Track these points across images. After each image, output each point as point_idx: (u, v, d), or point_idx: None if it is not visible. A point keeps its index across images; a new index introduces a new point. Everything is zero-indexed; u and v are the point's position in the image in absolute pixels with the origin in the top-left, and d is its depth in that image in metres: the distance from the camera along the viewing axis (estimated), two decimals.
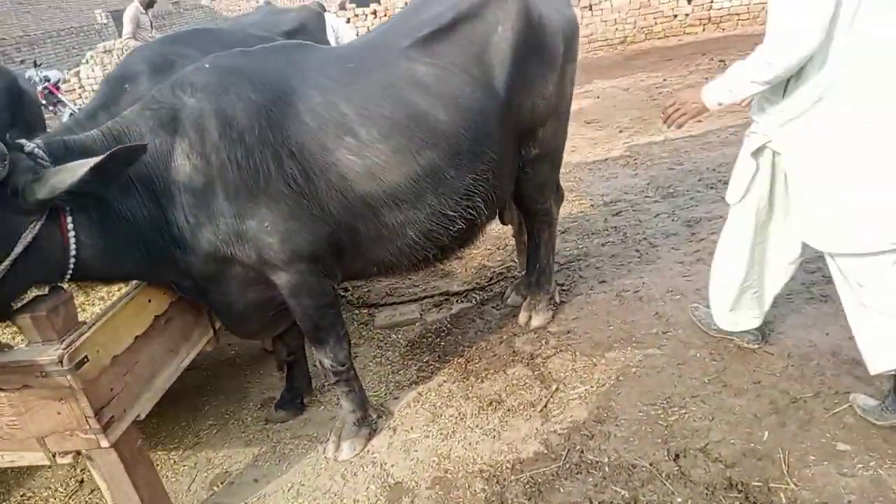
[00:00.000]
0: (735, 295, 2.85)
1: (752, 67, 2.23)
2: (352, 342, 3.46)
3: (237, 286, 2.60)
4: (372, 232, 2.65)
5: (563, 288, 3.90)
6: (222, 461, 3.07)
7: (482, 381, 3.21)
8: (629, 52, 11.92)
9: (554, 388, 3.05)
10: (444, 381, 3.28)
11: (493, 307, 3.89)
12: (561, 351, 3.31)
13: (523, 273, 3.86)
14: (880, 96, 2.08)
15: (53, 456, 2.38)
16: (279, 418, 3.25)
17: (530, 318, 3.58)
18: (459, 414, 3.02)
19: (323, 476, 2.83)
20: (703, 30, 12.13)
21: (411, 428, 2.99)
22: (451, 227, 2.76)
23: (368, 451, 2.91)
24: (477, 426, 2.91)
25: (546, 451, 2.69)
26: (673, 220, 4.53)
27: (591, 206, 5.10)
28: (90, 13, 26.72)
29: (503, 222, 3.49)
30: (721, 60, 9.27)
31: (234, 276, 2.56)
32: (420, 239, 2.72)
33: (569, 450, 2.67)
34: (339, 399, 3.01)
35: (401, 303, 4.15)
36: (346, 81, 2.56)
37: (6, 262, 1.96)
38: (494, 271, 4.34)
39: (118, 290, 2.81)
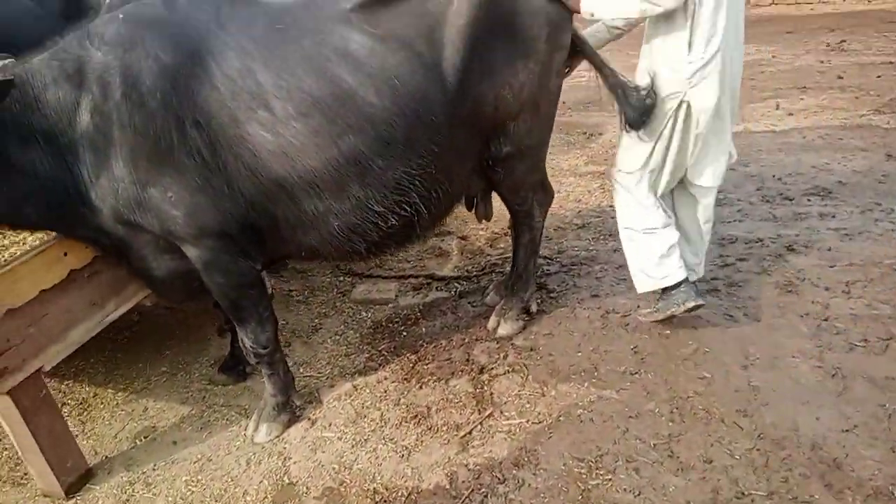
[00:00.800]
0: (656, 248, 2.92)
1: None
2: (322, 312, 3.32)
3: (151, 252, 2.48)
4: (291, 217, 2.43)
5: (551, 294, 3.54)
6: (155, 414, 3.08)
7: (421, 388, 2.99)
8: (750, 16, 10.55)
9: (487, 412, 2.78)
10: (385, 378, 3.09)
11: (469, 302, 3.61)
12: (514, 371, 3.01)
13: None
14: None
15: None
16: (220, 381, 3.21)
17: (498, 324, 3.28)
18: (382, 419, 2.83)
19: (231, 456, 2.76)
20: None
21: (329, 425, 2.85)
22: (382, 223, 2.49)
23: (282, 439, 2.80)
24: (392, 439, 2.71)
25: (448, 487, 2.46)
26: None
27: None
28: None
29: (478, 218, 3.16)
30: (842, 41, 7.96)
31: (147, 242, 2.45)
32: (345, 231, 2.48)
33: (472, 490, 2.42)
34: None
35: (383, 277, 3.95)
36: (270, 46, 2.29)
37: None
38: (490, 261, 4.02)
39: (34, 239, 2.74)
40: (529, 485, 2.42)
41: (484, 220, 3.24)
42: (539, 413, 2.74)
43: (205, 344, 3.56)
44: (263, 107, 2.23)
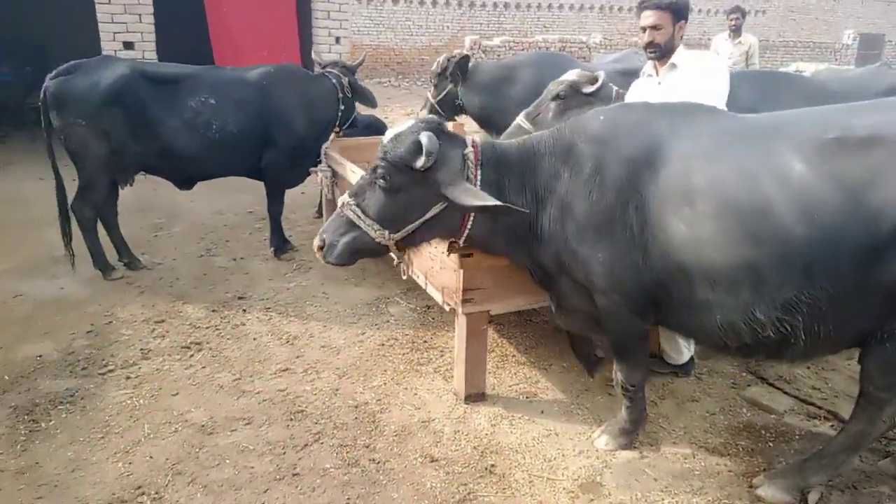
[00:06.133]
0: None
1: None
2: (706, 390, 3.63)
3: (569, 288, 3.22)
4: (683, 298, 2.79)
5: None
6: (543, 391, 3.94)
7: None
8: None
9: None
10: (723, 471, 3.18)
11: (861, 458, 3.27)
12: None
13: None
14: None
15: (443, 301, 3.76)
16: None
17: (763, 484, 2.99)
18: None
19: (581, 456, 3.38)
20: None
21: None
22: (759, 330, 2.64)
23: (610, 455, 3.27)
24: None
25: None
26: None
27: None
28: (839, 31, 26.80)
29: None
30: None
31: (568, 281, 3.19)
32: (723, 325, 2.71)
33: None
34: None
35: (784, 391, 3.87)
36: (710, 154, 2.69)
37: (417, 223, 3.03)
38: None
39: None
40: None
41: None
42: None
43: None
44: (688, 203, 2.66)
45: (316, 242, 3.21)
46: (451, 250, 3.38)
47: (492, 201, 2.86)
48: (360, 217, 3.08)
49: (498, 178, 3.11)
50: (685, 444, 3.38)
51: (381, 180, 3.00)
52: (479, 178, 3.04)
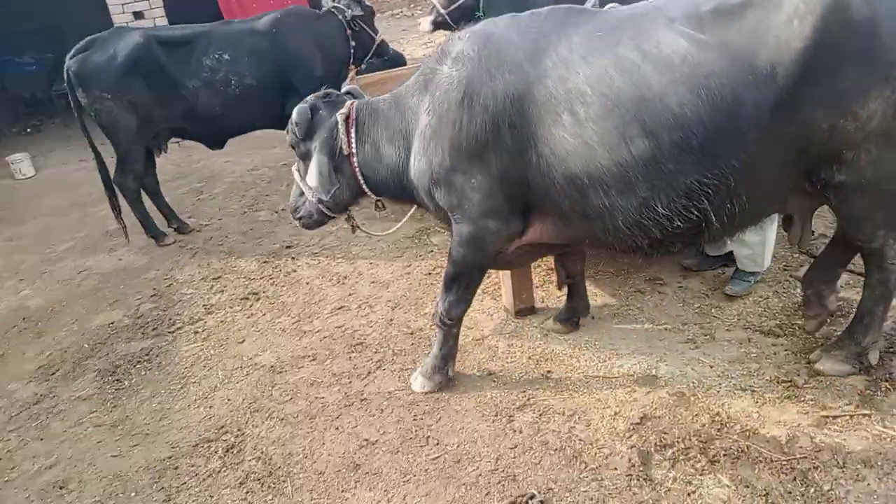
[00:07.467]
0: None
1: None
2: None
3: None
4: (577, 210, 2.67)
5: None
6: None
7: None
8: None
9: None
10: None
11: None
12: None
13: None
14: None
15: None
16: (554, 329, 3.64)
17: (820, 357, 2.98)
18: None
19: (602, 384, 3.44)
20: None
21: None
22: (666, 224, 2.55)
23: None
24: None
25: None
26: None
27: None
28: None
29: (790, 241, 2.84)
30: None
31: (442, 215, 3.06)
32: (628, 227, 2.61)
33: None
34: None
35: None
36: (586, 53, 2.52)
37: (330, 185, 3.15)
38: None
39: None
40: None
41: (798, 245, 2.90)
42: None
43: None
44: (568, 111, 2.51)
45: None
46: (377, 207, 3.41)
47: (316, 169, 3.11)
48: (300, 181, 3.29)
49: (372, 133, 3.11)
50: (739, 329, 3.40)
51: (293, 149, 3.27)
52: (353, 137, 3.10)
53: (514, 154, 2.67)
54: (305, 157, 3.23)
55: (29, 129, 10.80)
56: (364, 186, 3.19)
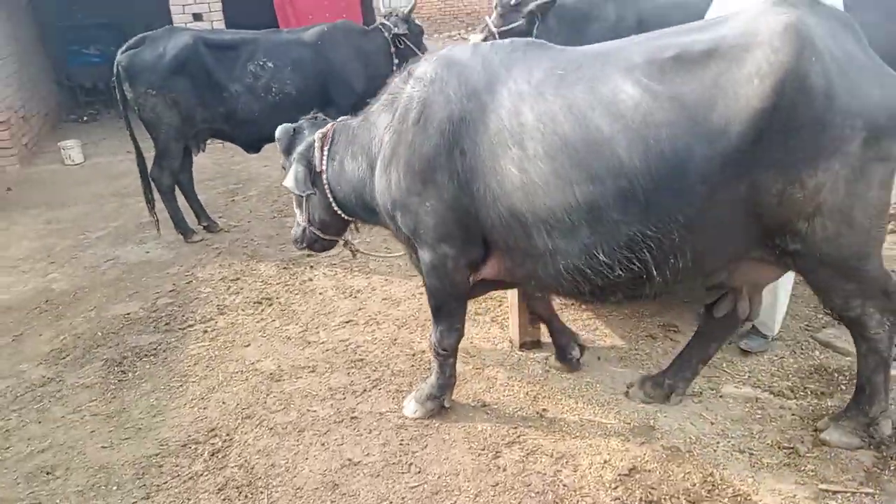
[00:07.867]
0: None
1: None
2: None
3: (409, 247, 3.07)
4: (521, 248, 2.63)
5: None
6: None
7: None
8: None
9: None
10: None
11: None
12: None
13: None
14: None
15: None
16: (556, 367, 3.55)
17: (828, 426, 2.83)
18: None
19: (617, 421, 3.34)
20: None
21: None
22: (607, 273, 2.48)
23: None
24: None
25: None
26: None
27: None
28: None
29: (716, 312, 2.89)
30: None
31: (405, 239, 3.02)
32: (570, 271, 2.56)
33: None
34: None
35: None
36: (542, 90, 2.48)
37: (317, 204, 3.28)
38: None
39: None
40: None
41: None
42: None
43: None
44: (518, 145, 2.47)
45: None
46: (346, 246, 3.63)
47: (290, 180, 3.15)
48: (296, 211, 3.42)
49: (341, 152, 3.13)
50: (748, 387, 3.26)
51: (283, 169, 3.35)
52: (325, 156, 3.14)
53: (464, 182, 2.64)
54: None
55: (85, 118, 11.26)
56: (333, 204, 3.21)
